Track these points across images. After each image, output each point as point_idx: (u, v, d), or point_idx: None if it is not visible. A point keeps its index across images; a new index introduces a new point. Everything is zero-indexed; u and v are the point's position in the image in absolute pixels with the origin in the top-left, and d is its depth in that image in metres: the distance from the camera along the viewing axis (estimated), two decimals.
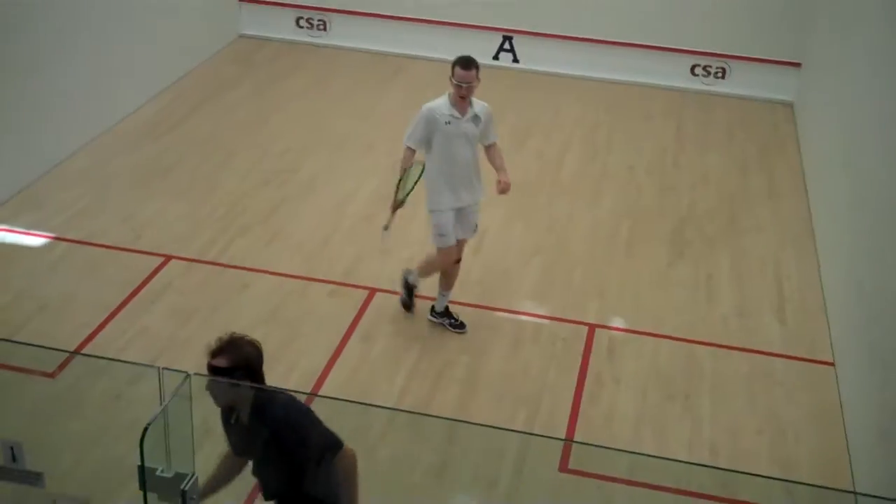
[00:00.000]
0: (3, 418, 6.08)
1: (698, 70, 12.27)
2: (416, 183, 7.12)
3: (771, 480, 6.15)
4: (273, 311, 7.53)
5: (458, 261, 7.37)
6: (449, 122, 6.92)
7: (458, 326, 7.41)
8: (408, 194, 7.12)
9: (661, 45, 12.19)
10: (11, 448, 4.48)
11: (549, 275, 8.26)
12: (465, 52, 12.46)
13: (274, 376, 6.73)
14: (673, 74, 12.28)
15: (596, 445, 6.27)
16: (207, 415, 6.08)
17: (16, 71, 8.64)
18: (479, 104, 7.01)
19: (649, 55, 12.21)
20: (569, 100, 11.85)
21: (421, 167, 7.10)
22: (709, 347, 7.44)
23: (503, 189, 7.12)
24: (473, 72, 6.84)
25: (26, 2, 8.69)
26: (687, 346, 7.38)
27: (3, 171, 8.63)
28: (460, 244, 7.29)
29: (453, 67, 6.86)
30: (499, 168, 7.20)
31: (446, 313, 7.46)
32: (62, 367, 6.59)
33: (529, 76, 12.47)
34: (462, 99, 6.89)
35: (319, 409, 6.42)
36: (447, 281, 7.39)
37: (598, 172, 10.07)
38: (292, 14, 12.96)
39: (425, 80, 12.22)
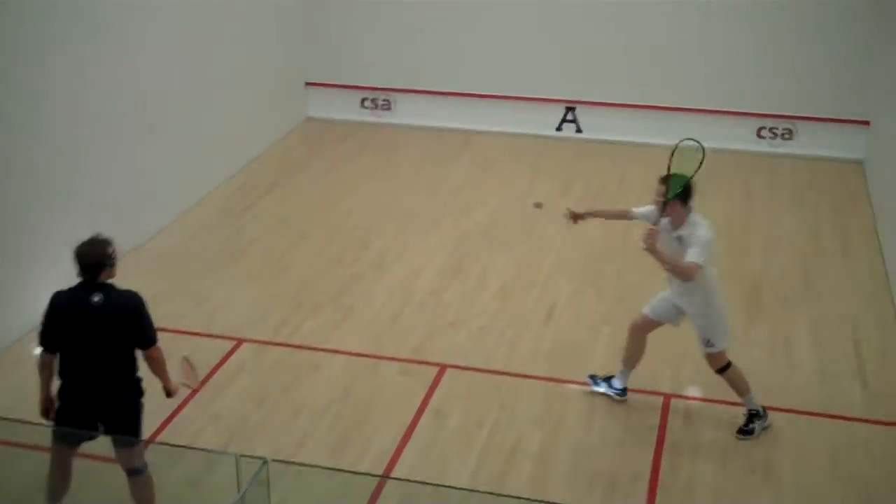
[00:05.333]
0: None
1: (764, 132, 12.21)
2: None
3: None
4: (345, 391, 7.56)
5: None
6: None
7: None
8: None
9: (726, 109, 12.17)
10: None
11: (622, 344, 8.14)
12: (529, 124, 12.68)
13: (347, 458, 6.77)
14: (739, 137, 12.23)
15: None
16: (283, 499, 6.14)
17: (80, 156, 8.89)
18: (691, 226, 6.60)
19: (714, 119, 12.18)
20: (634, 167, 11.82)
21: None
22: (788, 414, 7.25)
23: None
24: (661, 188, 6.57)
25: (104, 93, 9.00)
26: None
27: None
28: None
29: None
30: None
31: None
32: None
33: (593, 145, 12.51)
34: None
35: (394, 490, 6.45)
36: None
37: None
38: (357, 95, 13.24)
39: (491, 154, 12.36)
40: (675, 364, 7.85)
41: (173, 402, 7.26)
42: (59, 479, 5.89)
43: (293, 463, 6.40)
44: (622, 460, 6.80)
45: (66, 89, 8.53)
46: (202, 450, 6.38)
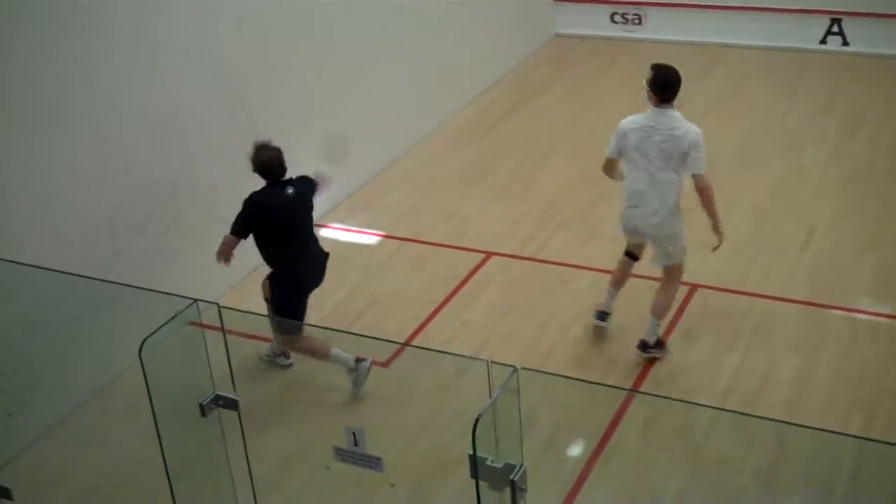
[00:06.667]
0: (344, 404, 6.51)
1: None
2: None
3: None
4: (591, 307, 7.48)
5: None
6: None
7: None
8: None
9: None
10: (354, 433, 4.75)
11: (888, 270, 7.68)
12: (789, 37, 11.92)
13: (593, 373, 6.77)
14: None
15: None
16: (528, 408, 6.22)
17: (342, 82, 9.18)
18: None
19: None
20: None
21: None
22: None
23: None
24: None
25: (343, 19, 9.20)
26: None
27: (338, 175, 9.22)
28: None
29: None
30: None
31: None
32: (394, 357, 6.95)
33: (861, 60, 11.67)
34: None
35: (641, 405, 6.41)
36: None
37: None
38: (606, 10, 12.93)
39: (745, 69, 11.79)
40: None
41: (426, 310, 7.56)
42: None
43: (542, 372, 6.45)
44: (884, 390, 6.43)
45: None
46: (454, 354, 6.56)
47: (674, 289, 6.83)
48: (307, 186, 6.58)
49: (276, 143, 6.47)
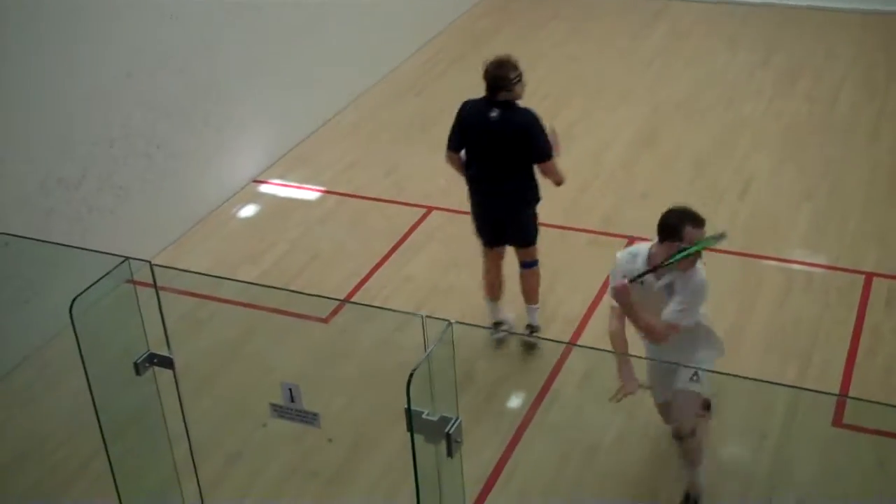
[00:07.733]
0: (282, 361, 6.49)
1: None
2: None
3: None
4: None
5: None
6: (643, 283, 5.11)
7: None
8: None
9: None
10: (290, 389, 4.73)
11: (823, 220, 7.80)
12: None
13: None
14: None
15: (873, 402, 5.87)
16: (468, 362, 6.27)
17: (283, 34, 9.05)
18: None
19: None
20: (844, 37, 11.07)
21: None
22: None
23: None
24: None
25: None
26: None
27: (277, 130, 9.13)
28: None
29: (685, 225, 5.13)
30: None
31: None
32: (334, 313, 6.92)
33: (799, 12, 11.75)
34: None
35: (579, 358, 6.46)
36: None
37: (877, 112, 9.36)
38: None
39: (687, 24, 11.81)
40: (881, 242, 7.44)
41: (367, 266, 7.53)
42: (493, 277, 6.62)
43: (477, 326, 6.50)
44: (818, 338, 6.55)
45: None
46: (392, 310, 6.55)
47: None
48: (517, 122, 6.03)
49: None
